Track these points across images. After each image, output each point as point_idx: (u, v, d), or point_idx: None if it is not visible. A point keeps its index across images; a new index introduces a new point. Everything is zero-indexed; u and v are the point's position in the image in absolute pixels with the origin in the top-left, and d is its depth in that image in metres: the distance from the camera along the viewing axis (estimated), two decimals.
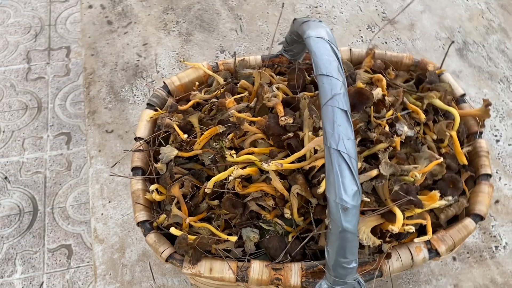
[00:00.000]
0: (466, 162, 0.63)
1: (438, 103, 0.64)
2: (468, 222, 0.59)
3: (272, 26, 1.09)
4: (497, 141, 0.93)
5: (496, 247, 0.80)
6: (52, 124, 1.80)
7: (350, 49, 0.74)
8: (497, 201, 0.85)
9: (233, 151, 0.58)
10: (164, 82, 0.70)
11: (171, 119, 0.65)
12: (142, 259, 0.77)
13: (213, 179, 0.56)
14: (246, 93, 0.65)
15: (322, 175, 0.56)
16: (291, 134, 0.58)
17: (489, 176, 0.62)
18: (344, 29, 1.08)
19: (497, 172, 0.89)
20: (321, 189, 0.54)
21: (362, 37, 1.08)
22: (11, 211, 1.60)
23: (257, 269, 0.55)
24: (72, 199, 1.63)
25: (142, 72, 1.00)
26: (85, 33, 1.07)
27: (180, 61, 0.97)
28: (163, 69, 1.01)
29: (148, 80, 0.98)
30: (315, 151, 0.58)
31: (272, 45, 0.72)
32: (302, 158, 0.58)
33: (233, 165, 0.57)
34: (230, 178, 0.55)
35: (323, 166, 0.57)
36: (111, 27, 1.08)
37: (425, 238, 0.57)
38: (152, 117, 0.66)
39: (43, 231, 1.58)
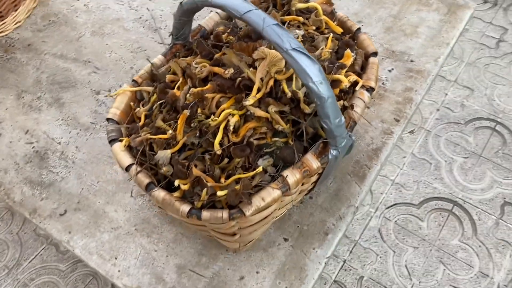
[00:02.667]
0: (341, 30, 0.85)
1: (300, 5, 0.85)
2: (372, 60, 0.82)
3: (118, 50, 1.17)
4: None
5: (383, 83, 1.07)
6: None
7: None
8: None
9: (212, 117, 0.69)
10: (108, 118, 0.76)
11: (141, 136, 0.72)
12: None
13: (216, 141, 0.67)
14: (180, 80, 0.76)
15: (280, 88, 0.71)
16: (240, 78, 0.72)
17: (359, 29, 0.86)
18: None
19: None
20: (288, 94, 0.70)
21: None
22: None
23: (290, 174, 0.68)
24: None
25: (46, 152, 1.00)
26: None
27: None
28: (61, 138, 1.02)
29: (59, 157, 0.99)
30: (262, 79, 0.73)
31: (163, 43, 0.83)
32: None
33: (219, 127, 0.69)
34: (231, 127, 0.67)
35: (274, 83, 0.72)
36: None
37: (360, 84, 0.78)
38: (125, 145, 0.72)
39: None
